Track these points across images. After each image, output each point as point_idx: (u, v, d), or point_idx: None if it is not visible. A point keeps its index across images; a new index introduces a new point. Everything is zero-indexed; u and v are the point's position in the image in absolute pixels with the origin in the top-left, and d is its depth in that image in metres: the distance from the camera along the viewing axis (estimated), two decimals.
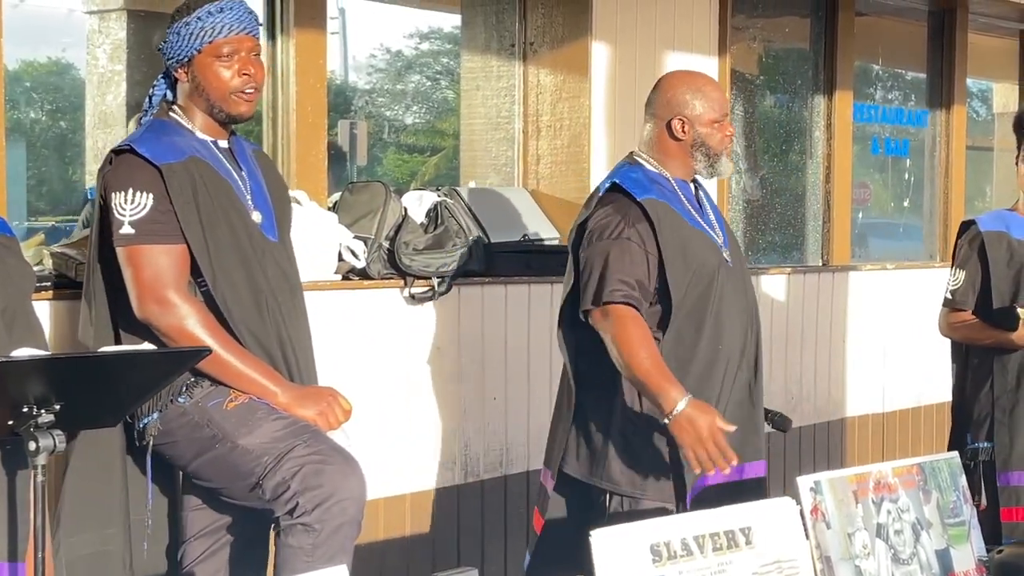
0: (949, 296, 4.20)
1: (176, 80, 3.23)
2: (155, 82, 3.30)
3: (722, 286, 3.52)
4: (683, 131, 3.56)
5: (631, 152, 3.66)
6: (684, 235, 3.48)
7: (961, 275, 4.16)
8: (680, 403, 3.25)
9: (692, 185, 3.64)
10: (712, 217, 3.64)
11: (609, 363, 3.42)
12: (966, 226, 4.28)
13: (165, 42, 3.21)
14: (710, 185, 3.92)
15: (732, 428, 3.28)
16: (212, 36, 3.14)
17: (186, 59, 3.17)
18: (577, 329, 3.54)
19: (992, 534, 3.92)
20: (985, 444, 4.14)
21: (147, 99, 3.32)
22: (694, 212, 3.57)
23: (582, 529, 2.54)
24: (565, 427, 3.59)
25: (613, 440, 3.50)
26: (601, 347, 3.42)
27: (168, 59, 3.22)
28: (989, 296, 4.11)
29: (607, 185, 3.56)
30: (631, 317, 3.36)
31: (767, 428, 3.72)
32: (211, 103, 3.18)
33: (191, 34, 3.15)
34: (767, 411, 3.73)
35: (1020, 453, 4.11)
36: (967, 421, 4.23)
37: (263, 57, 4.33)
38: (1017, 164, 4.21)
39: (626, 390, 3.48)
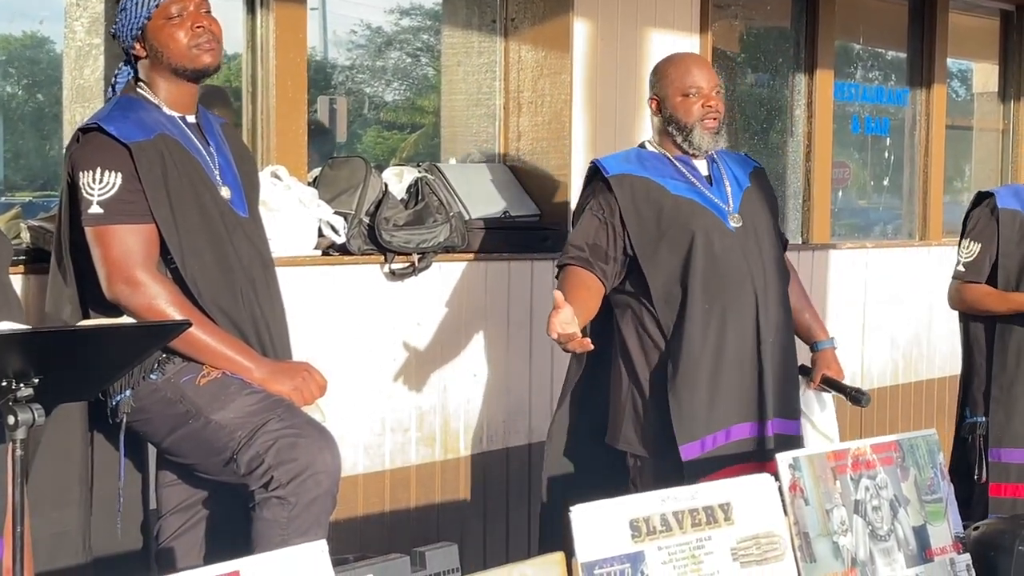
0: (963, 269, 4.19)
1: (136, 59, 3.22)
2: (117, 70, 3.29)
3: (713, 248, 3.64)
4: (657, 110, 3.78)
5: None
6: (657, 200, 3.66)
7: (976, 247, 4.17)
8: None
9: (706, 161, 3.78)
10: (728, 189, 3.76)
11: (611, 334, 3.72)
12: (982, 197, 4.27)
13: (116, 23, 3.22)
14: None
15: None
16: (157, 0, 3.15)
17: (139, 30, 3.17)
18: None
19: (986, 509, 3.97)
20: (981, 419, 4.16)
21: (110, 88, 3.30)
22: (694, 184, 3.71)
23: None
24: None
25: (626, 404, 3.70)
26: (604, 319, 3.70)
27: (123, 39, 3.22)
28: (994, 272, 4.14)
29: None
30: (573, 273, 3.60)
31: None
32: (174, 65, 3.17)
33: (137, 3, 3.16)
34: (847, 387, 3.90)
35: (1015, 431, 4.14)
36: (966, 394, 4.27)
37: (243, 31, 4.34)
38: None
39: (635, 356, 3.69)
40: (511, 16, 5.12)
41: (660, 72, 3.79)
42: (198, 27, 3.16)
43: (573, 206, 4.95)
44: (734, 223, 3.70)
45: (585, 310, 3.47)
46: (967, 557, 3.15)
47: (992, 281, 4.16)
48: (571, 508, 2.45)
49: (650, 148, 3.81)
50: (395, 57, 6.19)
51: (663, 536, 2.55)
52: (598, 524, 2.47)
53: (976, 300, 4.17)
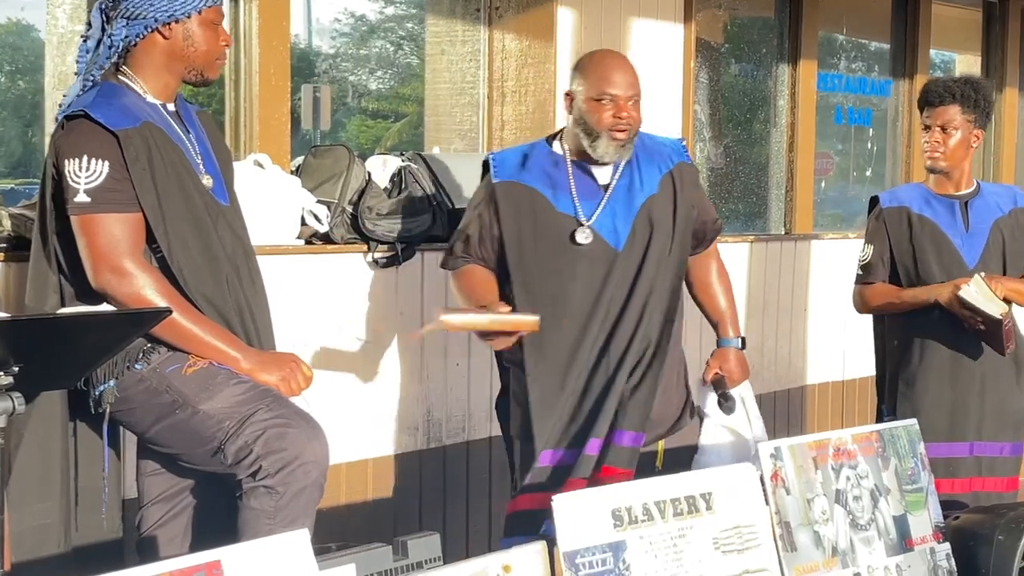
0: (860, 272, 4.32)
1: (135, 38, 3.11)
2: (108, 36, 3.10)
3: (572, 265, 3.53)
4: (569, 106, 3.60)
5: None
6: (536, 215, 3.56)
7: (869, 250, 4.33)
8: None
9: (613, 167, 3.59)
10: (627, 200, 3.58)
11: None
12: (873, 202, 4.40)
13: None
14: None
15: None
16: (214, 0, 3.13)
17: (183, 16, 3.09)
18: None
19: None
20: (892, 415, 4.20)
21: (82, 39, 3.15)
22: (584, 196, 3.57)
23: None
24: None
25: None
26: None
27: (153, 12, 3.07)
28: (896, 271, 4.24)
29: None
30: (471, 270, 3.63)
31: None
32: (192, 66, 3.12)
33: None
34: (721, 391, 3.73)
35: (925, 427, 4.16)
36: (880, 394, 4.35)
37: (226, 19, 4.31)
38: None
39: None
40: (495, 5, 5.11)
41: (580, 68, 3.60)
42: (224, 43, 3.17)
43: None
44: (588, 240, 3.55)
45: (491, 293, 3.54)
46: (947, 546, 3.17)
47: (895, 282, 4.26)
48: (552, 497, 2.46)
49: (555, 145, 3.65)
50: (379, 45, 6.19)
51: (645, 525, 2.56)
52: (580, 513, 2.48)
53: (876, 301, 4.26)
